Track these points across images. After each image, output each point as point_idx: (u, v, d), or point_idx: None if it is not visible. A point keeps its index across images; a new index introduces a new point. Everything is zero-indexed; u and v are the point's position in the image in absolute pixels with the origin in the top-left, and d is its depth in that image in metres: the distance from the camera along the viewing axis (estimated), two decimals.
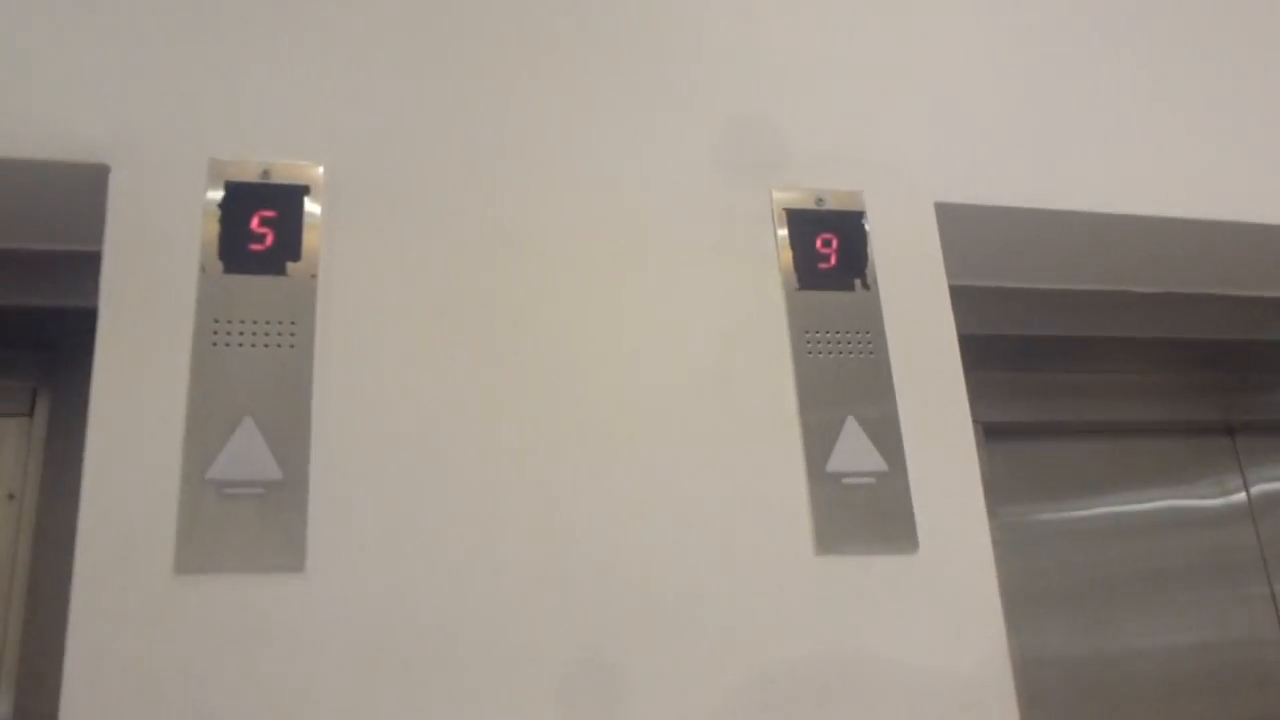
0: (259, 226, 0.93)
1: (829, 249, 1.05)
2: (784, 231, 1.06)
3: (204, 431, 0.87)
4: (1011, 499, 1.46)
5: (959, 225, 1.14)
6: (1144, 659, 1.46)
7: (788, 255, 1.05)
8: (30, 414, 1.16)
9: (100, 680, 0.80)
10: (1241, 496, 1.59)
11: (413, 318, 0.95)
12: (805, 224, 1.06)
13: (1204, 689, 1.45)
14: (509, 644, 0.87)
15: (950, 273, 1.10)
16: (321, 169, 0.97)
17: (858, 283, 1.06)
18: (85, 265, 0.99)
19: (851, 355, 1.02)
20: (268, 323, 0.91)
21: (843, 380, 1.01)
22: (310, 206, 0.95)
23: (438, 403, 0.93)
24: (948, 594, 0.98)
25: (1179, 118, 1.30)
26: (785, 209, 1.06)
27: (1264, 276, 1.46)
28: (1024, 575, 1.42)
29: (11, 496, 1.13)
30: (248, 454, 0.86)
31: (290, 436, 0.88)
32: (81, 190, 0.96)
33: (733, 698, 0.90)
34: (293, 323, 0.91)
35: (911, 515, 0.99)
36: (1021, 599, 1.38)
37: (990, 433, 1.46)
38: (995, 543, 1.01)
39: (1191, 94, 1.32)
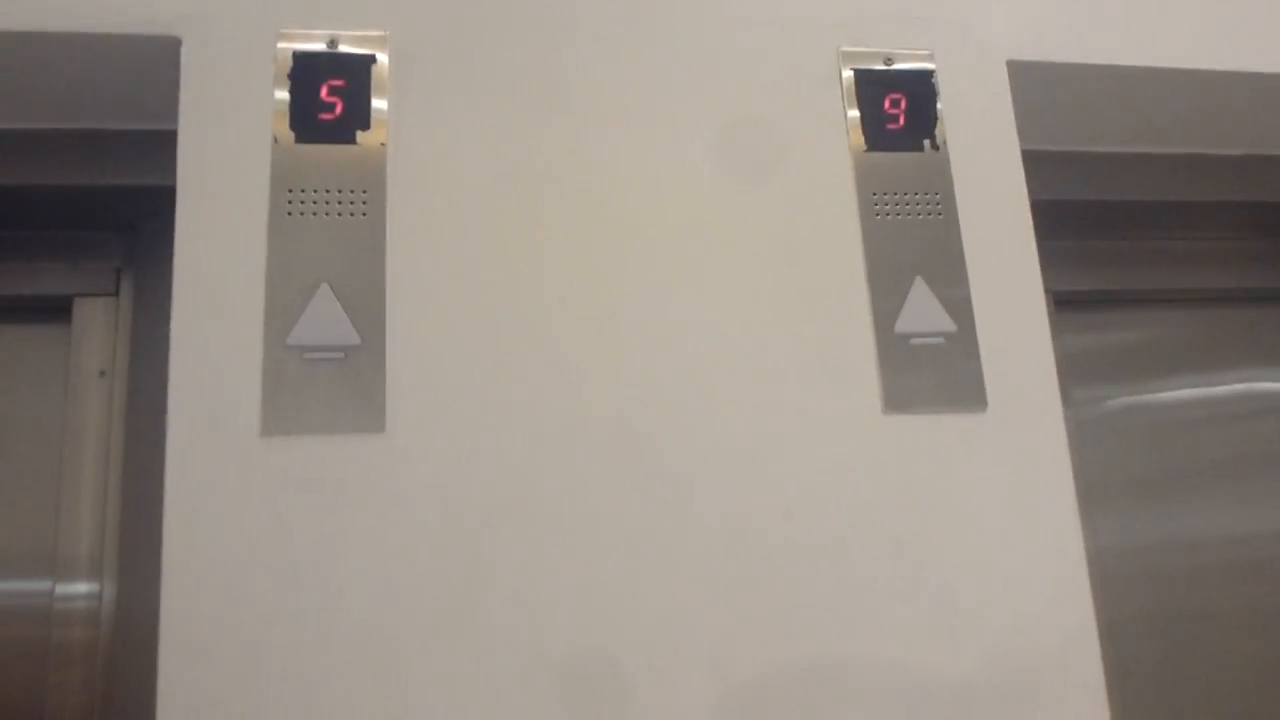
0: (328, 96, 0.94)
1: (897, 109, 1.04)
2: (852, 91, 1.04)
3: (283, 299, 0.89)
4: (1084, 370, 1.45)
5: (1031, 85, 1.11)
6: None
7: (855, 115, 1.03)
8: (116, 293, 1.20)
9: (196, 539, 0.85)
10: None
11: (481, 184, 0.96)
12: (873, 83, 1.04)
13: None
14: (583, 504, 0.90)
15: (1022, 137, 1.08)
16: (388, 37, 0.97)
17: (926, 143, 1.04)
18: (163, 143, 1.01)
19: (920, 217, 1.02)
20: (340, 191, 0.92)
21: (911, 242, 1.01)
22: (377, 75, 0.95)
23: (508, 267, 0.94)
24: (1016, 453, 0.98)
25: None
26: (853, 68, 1.05)
27: None
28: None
29: (102, 373, 1.17)
30: (326, 320, 0.89)
31: (366, 302, 0.90)
32: (154, 65, 0.98)
33: (803, 553, 0.92)
34: (364, 191, 0.93)
35: (980, 375, 0.99)
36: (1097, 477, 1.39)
37: (1060, 302, 1.45)
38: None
39: None
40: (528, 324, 0.93)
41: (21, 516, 1.14)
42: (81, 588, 1.11)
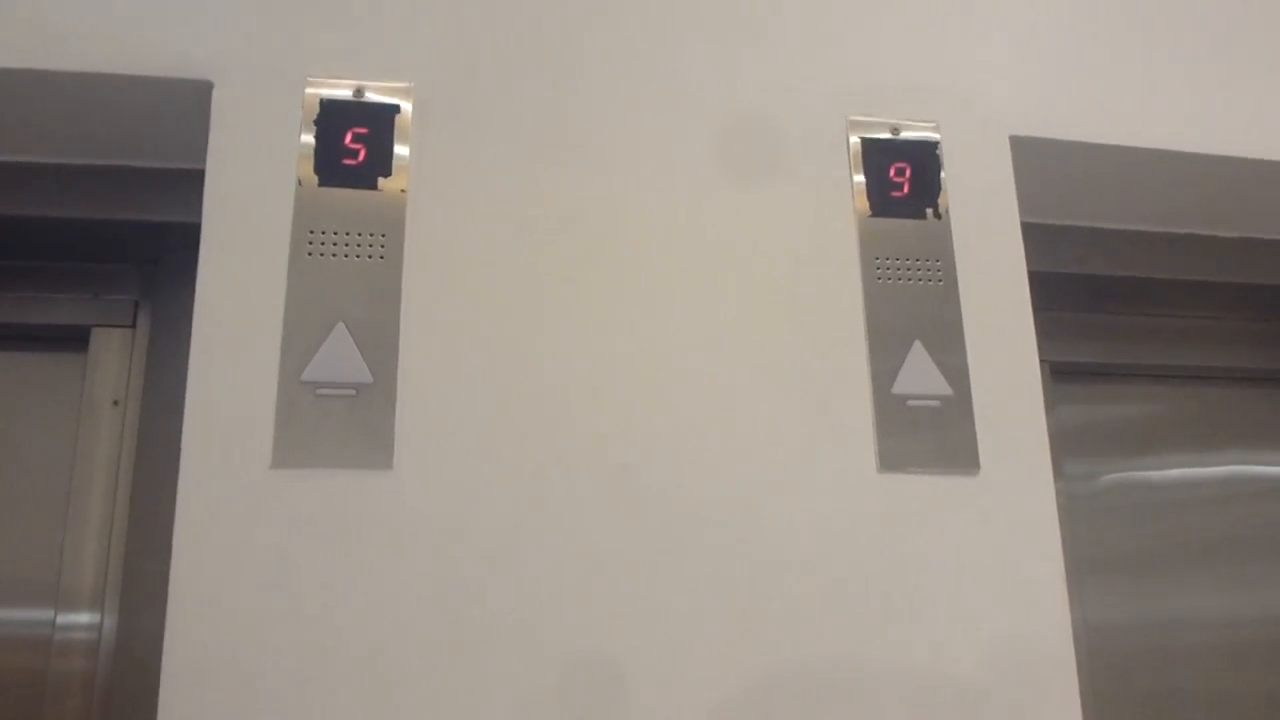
0: (352, 143, 0.97)
1: (902, 177, 1.07)
2: (858, 158, 1.08)
3: (300, 336, 0.92)
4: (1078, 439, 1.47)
5: (1033, 160, 1.15)
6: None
7: (861, 182, 1.07)
8: (133, 325, 1.22)
9: (203, 566, 0.86)
10: None
11: (497, 233, 0.99)
12: (879, 152, 1.08)
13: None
14: (582, 547, 0.92)
15: (1023, 209, 1.11)
16: (412, 88, 1.01)
17: (929, 212, 1.07)
18: (185, 182, 1.04)
19: (920, 283, 1.05)
20: (360, 234, 0.95)
21: (911, 306, 1.04)
22: (400, 123, 0.99)
23: (519, 313, 0.97)
24: (1006, 516, 1.00)
25: (1265, 57, 1.28)
26: (860, 136, 1.08)
27: None
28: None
29: (116, 403, 1.19)
30: (340, 357, 0.92)
31: (380, 342, 0.93)
32: (186, 106, 1.01)
33: (794, 609, 0.94)
34: (383, 235, 0.96)
35: (974, 439, 1.01)
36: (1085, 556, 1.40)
37: (1057, 373, 1.47)
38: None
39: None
40: (536, 369, 0.96)
41: (26, 544, 1.15)
42: (83, 618, 1.12)
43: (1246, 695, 1.42)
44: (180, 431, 0.90)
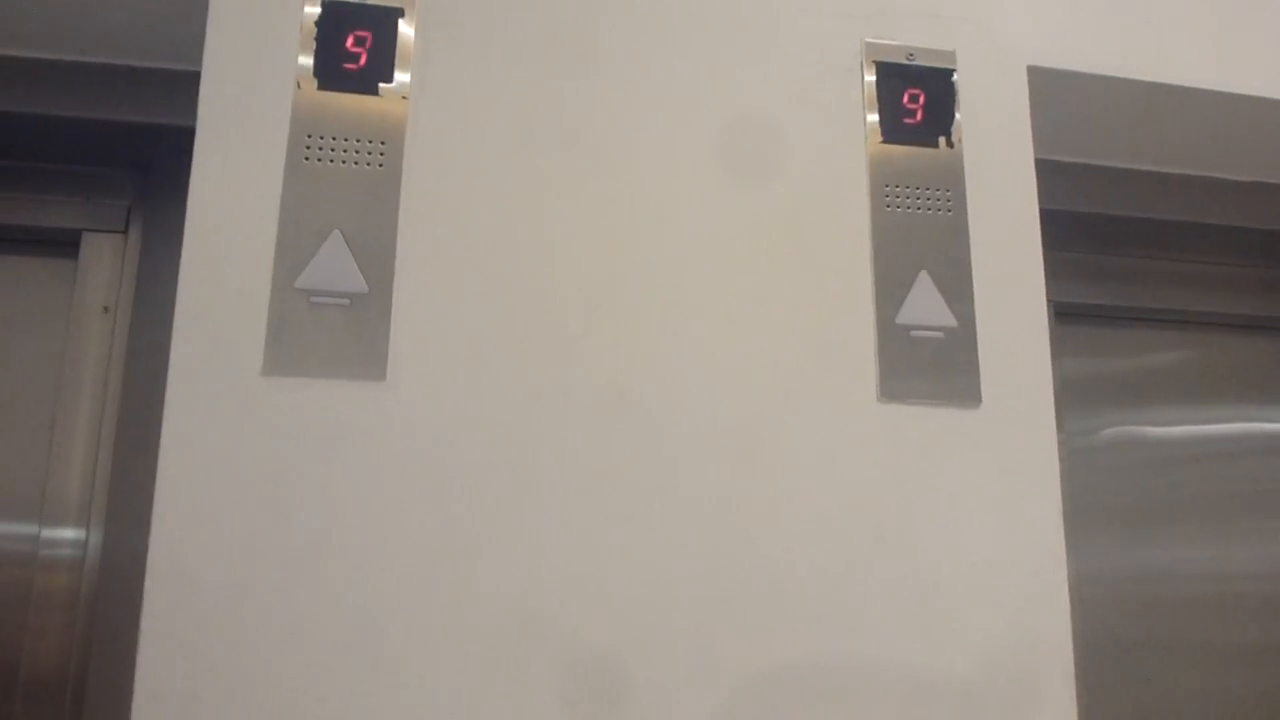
0: (353, 46, 0.95)
1: (916, 104, 1.04)
2: (872, 82, 1.05)
3: (295, 243, 0.90)
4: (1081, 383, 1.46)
5: (1050, 93, 1.13)
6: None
7: (874, 107, 1.04)
8: (125, 231, 1.20)
9: (190, 471, 0.85)
10: None
11: (499, 142, 0.96)
12: (894, 77, 1.05)
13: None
14: (574, 467, 0.91)
15: (1038, 144, 1.09)
16: None
17: (942, 140, 1.05)
18: (182, 83, 1.01)
19: (930, 212, 1.02)
20: (359, 141, 0.93)
21: (919, 236, 1.02)
22: (404, 29, 0.96)
23: (518, 227, 0.95)
24: (1006, 451, 0.99)
25: None
26: (875, 61, 1.05)
27: None
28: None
29: (106, 309, 1.17)
30: (335, 266, 0.90)
31: (376, 251, 0.91)
32: (183, 6, 0.98)
33: (787, 533, 0.93)
34: (383, 142, 0.93)
35: (977, 372, 1.00)
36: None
37: (1062, 314, 1.46)
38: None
39: None
40: (534, 284, 0.94)
41: (11, 456, 1.14)
42: (68, 533, 1.11)
43: (1232, 648, 1.42)
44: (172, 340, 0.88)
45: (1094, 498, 1.41)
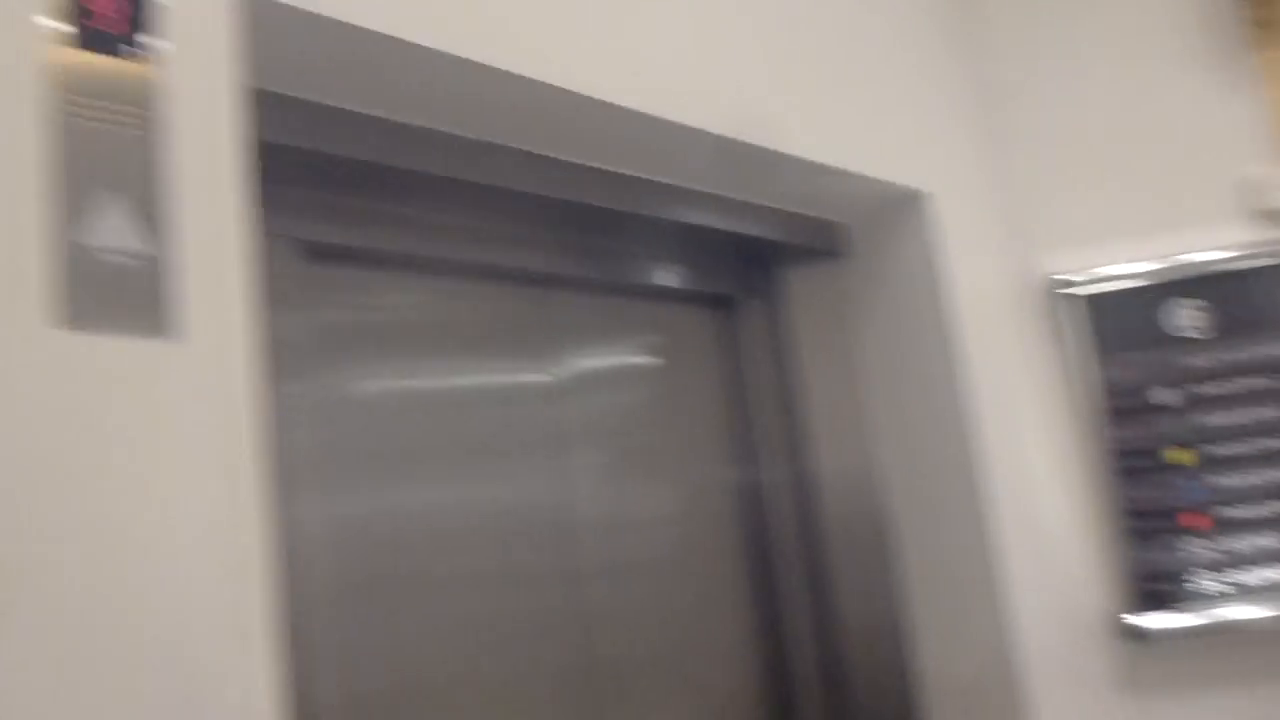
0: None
1: (113, 8, 0.96)
2: None
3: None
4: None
5: (277, 25, 1.11)
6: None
7: (64, 5, 0.94)
8: None
9: None
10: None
11: None
12: None
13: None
14: None
15: (271, 77, 1.06)
16: None
17: (139, 51, 0.97)
18: None
19: (123, 129, 0.95)
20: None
21: (110, 154, 0.94)
22: None
23: None
24: (202, 381, 0.96)
25: None
26: None
27: (589, 146, 1.61)
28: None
29: None
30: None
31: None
32: None
33: None
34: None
35: (169, 299, 0.95)
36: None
37: (317, 254, 1.48)
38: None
39: None
40: None
41: None
42: None
43: (457, 579, 1.56)
44: None
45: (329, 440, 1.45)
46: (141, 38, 0.98)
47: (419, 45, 1.25)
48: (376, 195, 1.55)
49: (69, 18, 0.94)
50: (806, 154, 1.75)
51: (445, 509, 1.59)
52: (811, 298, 2.16)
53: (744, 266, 2.15)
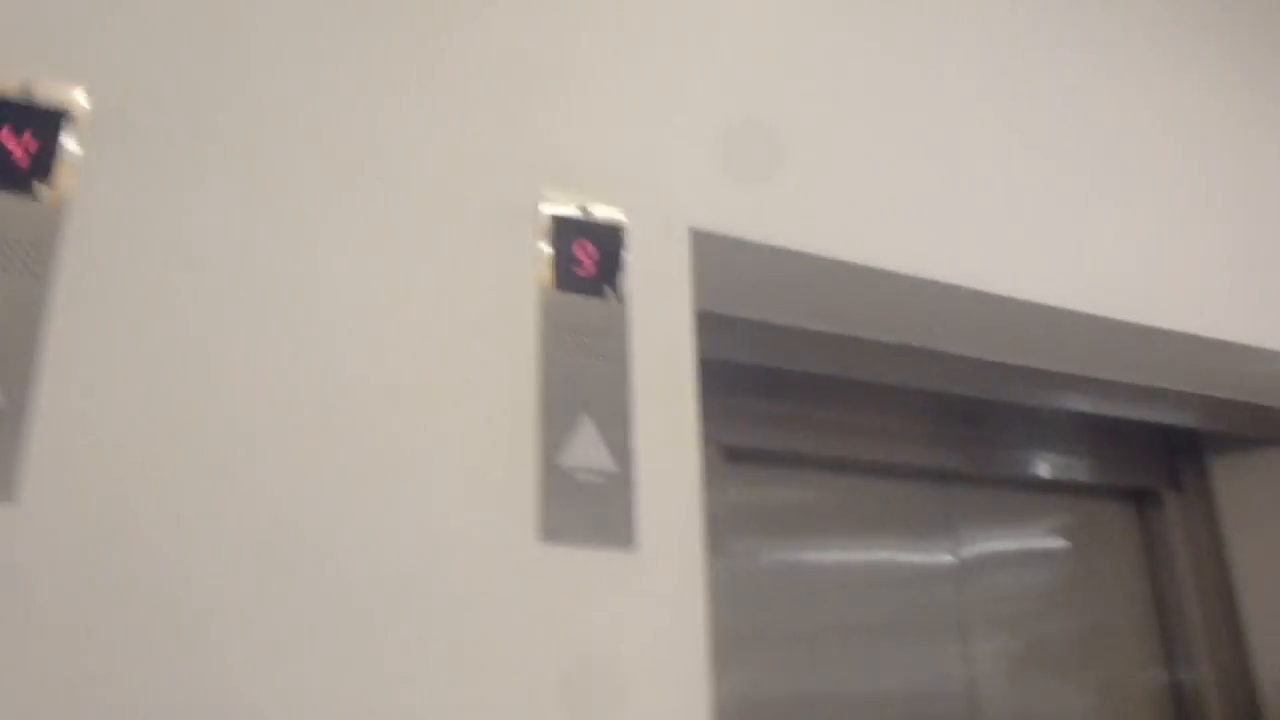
0: (14, 145, 0.90)
1: (586, 255, 1.10)
2: (546, 231, 1.10)
3: None
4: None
5: (713, 252, 1.22)
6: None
7: (548, 254, 1.09)
8: None
9: None
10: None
11: (164, 261, 0.94)
12: (567, 228, 1.11)
13: None
14: (232, 593, 0.88)
15: (706, 299, 1.16)
16: (88, 89, 0.95)
17: (610, 291, 1.11)
18: None
19: (596, 359, 1.07)
20: (8, 244, 0.88)
21: (584, 381, 1.06)
22: (70, 128, 0.92)
23: (174, 348, 0.92)
24: (659, 589, 1.04)
25: (931, 177, 1.42)
26: (550, 211, 1.11)
27: (993, 342, 1.61)
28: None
29: None
30: None
31: (17, 364, 0.85)
32: None
33: (442, 674, 0.93)
34: (35, 246, 0.88)
35: (633, 513, 1.04)
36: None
37: (731, 455, 1.55)
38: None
39: (949, 156, 1.45)
40: (185, 414, 0.91)
41: None
42: None
43: None
44: None
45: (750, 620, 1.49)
46: (613, 281, 1.11)
47: (825, 258, 1.31)
48: (785, 399, 1.62)
49: (557, 267, 1.08)
50: (1236, 338, 1.65)
51: (845, 689, 1.57)
52: (1246, 487, 1.99)
53: (1166, 455, 2.02)
